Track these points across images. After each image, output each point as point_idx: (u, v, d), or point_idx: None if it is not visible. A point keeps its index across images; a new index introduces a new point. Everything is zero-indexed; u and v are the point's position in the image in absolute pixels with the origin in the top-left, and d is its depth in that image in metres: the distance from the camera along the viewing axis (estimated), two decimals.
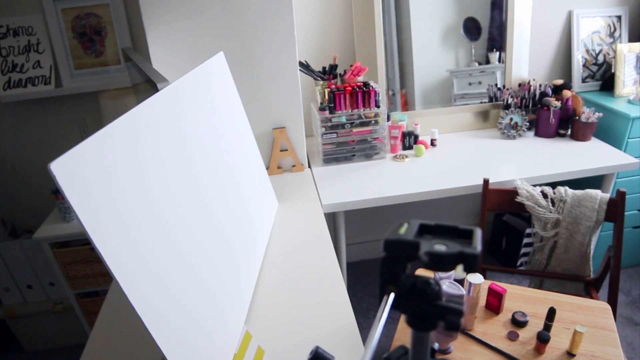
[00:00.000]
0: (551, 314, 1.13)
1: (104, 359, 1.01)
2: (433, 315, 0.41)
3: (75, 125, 2.08)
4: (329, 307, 1.09)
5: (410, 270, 0.44)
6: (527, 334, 1.16)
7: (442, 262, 0.37)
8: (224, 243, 1.03)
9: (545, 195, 1.59)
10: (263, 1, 1.54)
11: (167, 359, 0.70)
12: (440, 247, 0.38)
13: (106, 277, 1.95)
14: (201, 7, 1.52)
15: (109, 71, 2.02)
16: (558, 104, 1.98)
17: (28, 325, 2.14)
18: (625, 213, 1.82)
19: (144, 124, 0.79)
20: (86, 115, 2.09)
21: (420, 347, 0.45)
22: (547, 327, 1.14)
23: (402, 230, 0.41)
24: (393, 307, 0.41)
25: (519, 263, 2.07)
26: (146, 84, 1.36)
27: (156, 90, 0.96)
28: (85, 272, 1.93)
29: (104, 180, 0.65)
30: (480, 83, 2.18)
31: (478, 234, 0.41)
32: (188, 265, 0.84)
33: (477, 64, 2.17)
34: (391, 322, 2.14)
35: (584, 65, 2.23)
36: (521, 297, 1.28)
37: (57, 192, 1.84)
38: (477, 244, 0.39)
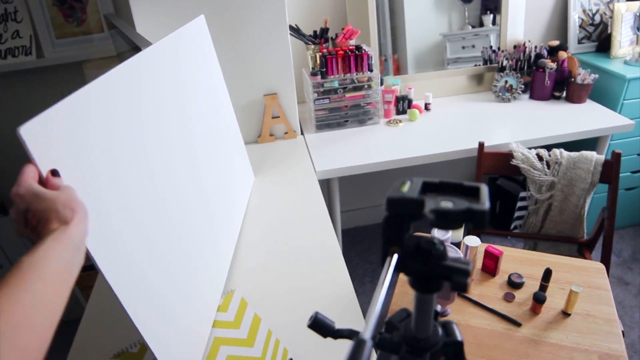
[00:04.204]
0: (547, 274, 1.13)
1: (101, 332, 1.01)
2: (438, 276, 0.39)
3: (60, 97, 2.02)
4: (325, 274, 1.08)
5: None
6: (523, 295, 1.16)
7: (449, 220, 0.36)
8: (202, 212, 1.01)
9: (540, 158, 1.58)
10: None
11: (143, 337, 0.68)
12: (446, 204, 0.36)
13: None
14: None
15: (93, 40, 1.95)
16: (554, 65, 1.95)
17: None
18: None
19: (119, 88, 0.75)
20: (71, 86, 2.02)
21: (424, 310, 0.44)
22: (543, 287, 1.14)
23: (405, 188, 0.39)
24: (396, 269, 0.40)
25: (512, 226, 2.08)
26: (132, 52, 1.30)
27: None
28: None
29: (79, 146, 0.62)
30: (473, 47, 2.13)
31: (485, 190, 0.39)
32: (165, 232, 0.82)
33: (470, 27, 2.11)
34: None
35: (581, 26, 2.18)
36: (517, 259, 1.28)
37: None
38: (485, 200, 0.37)
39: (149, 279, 0.73)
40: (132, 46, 1.31)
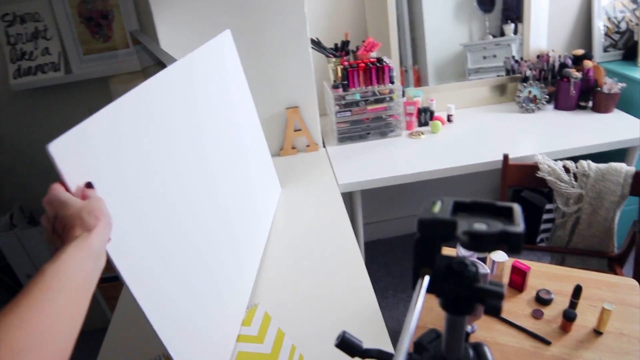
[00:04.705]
0: (577, 291, 1.10)
1: (126, 344, 1.01)
2: (471, 298, 0.38)
3: (87, 112, 2.07)
4: (349, 287, 1.07)
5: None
6: (552, 312, 1.13)
7: (482, 243, 0.35)
8: (227, 226, 1.01)
9: (567, 170, 1.54)
10: None
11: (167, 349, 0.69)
12: (480, 226, 0.35)
13: None
14: None
15: (118, 55, 2.00)
16: (579, 75, 1.92)
17: None
18: None
19: (146, 104, 0.77)
20: (97, 101, 2.07)
21: (455, 332, 0.43)
22: (573, 304, 1.11)
23: (436, 208, 0.39)
24: (428, 290, 0.39)
25: (538, 239, 2.03)
26: (157, 67, 1.33)
27: None
28: None
29: (105, 162, 0.63)
30: (495, 56, 2.11)
31: (518, 210, 0.38)
32: (189, 248, 0.83)
33: (491, 37, 2.10)
34: (408, 301, 2.11)
35: (606, 34, 2.14)
36: (545, 275, 1.25)
37: None
38: (520, 222, 0.36)
39: (173, 294, 0.74)
40: (157, 61, 1.34)
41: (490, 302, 0.36)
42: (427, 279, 0.39)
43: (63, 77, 1.95)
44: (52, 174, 0.56)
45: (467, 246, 0.35)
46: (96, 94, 2.05)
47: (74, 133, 0.58)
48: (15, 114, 2.05)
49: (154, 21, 1.51)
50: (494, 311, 0.36)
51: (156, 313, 0.67)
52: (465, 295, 0.38)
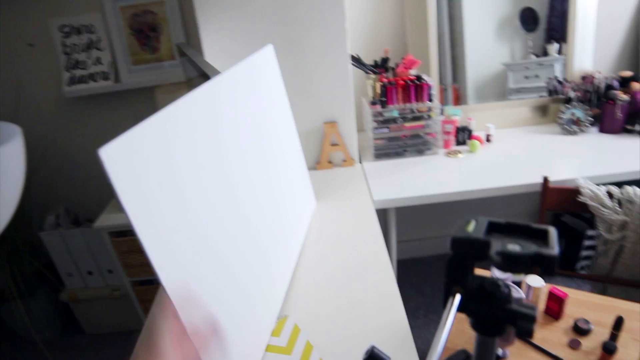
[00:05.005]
0: (618, 323, 1.05)
1: None
2: (502, 319, 0.38)
3: (132, 119, 2.16)
4: (379, 304, 1.07)
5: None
6: (591, 344, 1.09)
7: (515, 264, 0.34)
8: (258, 237, 1.02)
9: (611, 196, 1.49)
10: None
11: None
12: (513, 247, 0.35)
13: None
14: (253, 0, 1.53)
15: (164, 66, 2.08)
16: (626, 97, 1.85)
17: (88, 309, 2.25)
18: None
19: (191, 115, 0.79)
20: (143, 109, 2.16)
21: (486, 354, 0.42)
22: (614, 337, 1.06)
23: (470, 227, 0.39)
24: (459, 309, 0.39)
25: (578, 266, 1.96)
26: (200, 79, 1.38)
27: None
28: (141, 260, 2.00)
29: (149, 169, 0.65)
30: (537, 76, 2.07)
31: (554, 233, 0.38)
32: (223, 258, 0.84)
33: (534, 57, 2.06)
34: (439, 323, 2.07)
35: None
36: (584, 303, 1.20)
37: None
38: (555, 245, 0.35)
39: (207, 303, 0.75)
40: (200, 73, 1.39)
41: (521, 324, 0.36)
42: (458, 297, 0.39)
43: (112, 86, 2.05)
44: (98, 178, 0.58)
45: (500, 266, 0.35)
46: (142, 102, 2.14)
47: (123, 139, 0.60)
48: (66, 119, 2.16)
49: (199, 33, 1.57)
50: (526, 334, 0.36)
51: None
52: (496, 316, 0.38)
